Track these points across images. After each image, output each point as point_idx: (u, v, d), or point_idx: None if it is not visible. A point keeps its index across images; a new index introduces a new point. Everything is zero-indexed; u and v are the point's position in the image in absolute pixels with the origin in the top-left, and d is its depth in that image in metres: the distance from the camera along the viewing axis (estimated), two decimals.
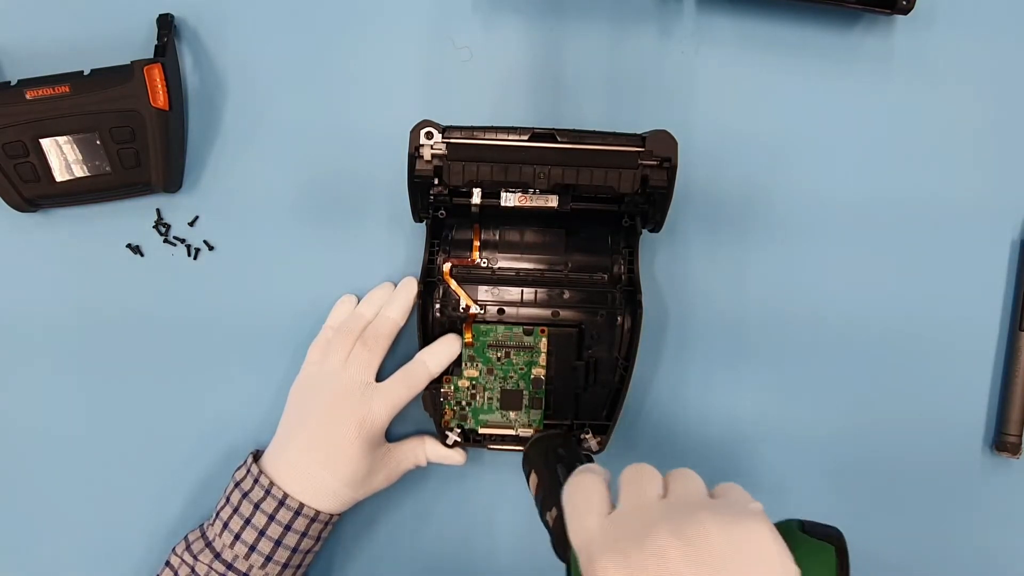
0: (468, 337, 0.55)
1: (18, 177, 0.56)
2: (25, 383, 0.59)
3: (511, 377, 0.55)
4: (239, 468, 0.54)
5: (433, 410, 0.54)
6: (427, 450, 0.56)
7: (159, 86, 0.55)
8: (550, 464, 0.46)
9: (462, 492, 0.59)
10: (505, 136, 0.49)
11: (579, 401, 0.56)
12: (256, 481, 0.52)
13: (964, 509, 0.59)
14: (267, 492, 0.51)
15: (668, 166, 0.50)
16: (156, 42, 0.58)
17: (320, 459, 0.51)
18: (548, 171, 0.50)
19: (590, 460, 0.48)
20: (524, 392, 0.55)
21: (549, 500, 0.43)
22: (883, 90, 0.59)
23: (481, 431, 0.55)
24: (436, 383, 0.55)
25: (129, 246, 0.60)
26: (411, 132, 0.50)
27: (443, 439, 0.55)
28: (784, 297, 0.59)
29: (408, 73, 0.60)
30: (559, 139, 0.49)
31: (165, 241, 0.60)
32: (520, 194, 0.54)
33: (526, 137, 0.49)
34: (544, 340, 0.55)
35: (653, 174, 0.50)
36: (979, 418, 0.59)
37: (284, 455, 0.53)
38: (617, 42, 0.60)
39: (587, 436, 0.55)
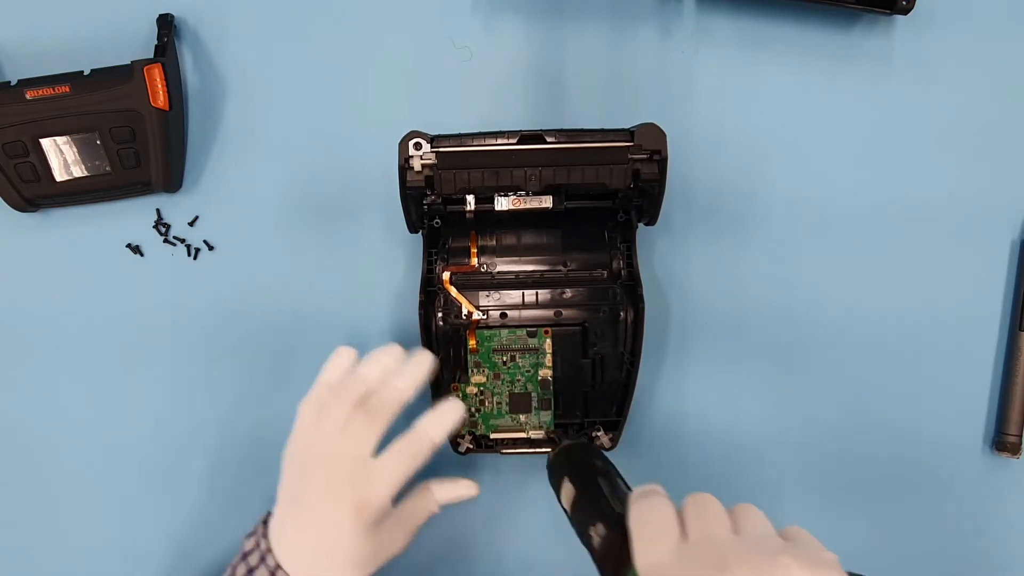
0: (472, 343, 0.55)
1: (18, 177, 0.56)
2: (25, 383, 0.59)
3: (518, 380, 0.55)
4: (250, 536, 0.48)
5: None
6: (436, 497, 0.50)
7: (159, 86, 0.55)
8: (590, 476, 0.44)
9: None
10: (494, 141, 0.49)
11: (587, 399, 0.56)
12: (263, 559, 0.46)
13: (964, 509, 0.59)
14: (272, 574, 0.46)
15: (658, 159, 0.50)
16: (156, 42, 0.58)
17: (321, 544, 0.46)
18: (539, 173, 0.50)
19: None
20: (532, 394, 0.55)
21: (591, 515, 0.41)
22: (883, 90, 0.60)
23: (492, 436, 0.55)
24: (445, 391, 0.55)
25: (129, 246, 0.60)
26: (399, 144, 0.50)
27: (455, 447, 0.55)
28: (784, 296, 0.59)
29: (408, 73, 0.60)
30: (548, 140, 0.49)
31: (165, 241, 0.60)
32: (514, 197, 0.54)
33: (515, 140, 0.49)
34: (548, 341, 0.55)
35: (644, 168, 0.50)
36: (979, 418, 0.59)
37: (288, 533, 0.47)
38: (617, 42, 0.60)
39: (599, 434, 0.55)
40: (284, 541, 0.46)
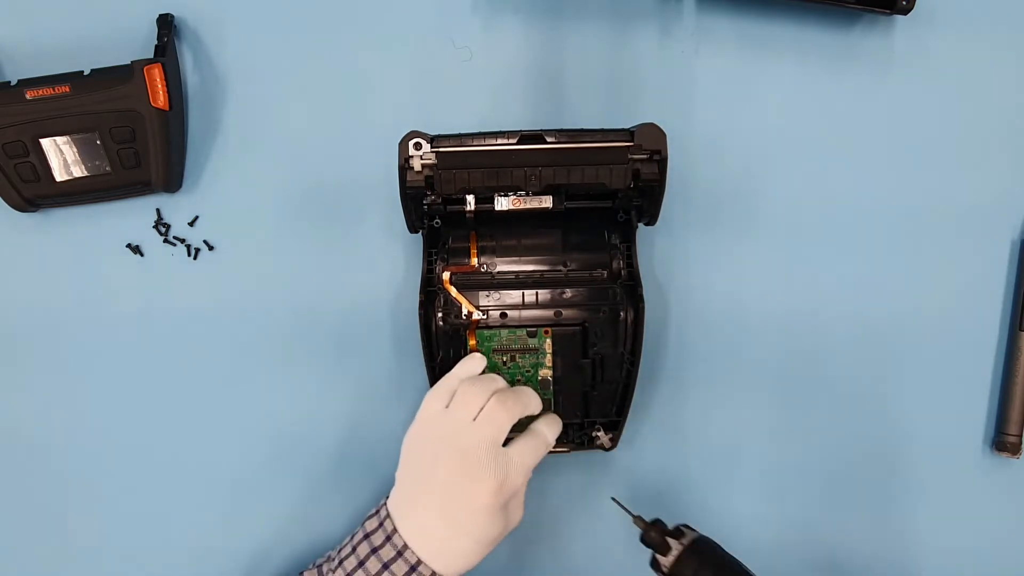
0: (472, 343, 0.55)
1: (18, 177, 0.56)
2: (25, 383, 0.59)
3: (518, 380, 0.55)
4: (371, 517, 0.49)
5: None
6: (518, 457, 0.49)
7: (159, 86, 0.55)
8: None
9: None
10: (494, 141, 0.49)
11: (587, 399, 0.56)
12: (389, 538, 0.47)
13: (964, 509, 0.59)
14: (399, 553, 0.47)
15: (658, 159, 0.50)
16: (156, 42, 0.58)
17: (456, 526, 0.47)
18: (539, 172, 0.50)
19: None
20: None
21: None
22: (883, 90, 0.60)
23: None
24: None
25: (129, 246, 0.60)
26: (399, 144, 0.50)
27: None
28: (784, 295, 0.59)
29: (408, 72, 0.60)
30: (548, 140, 0.49)
31: (165, 241, 0.60)
32: (514, 197, 0.54)
33: (515, 140, 0.49)
34: (548, 341, 0.55)
35: (644, 168, 0.50)
36: (979, 418, 0.59)
37: (415, 515, 0.48)
38: (617, 42, 0.60)
39: (599, 434, 0.55)
40: (411, 522, 0.48)
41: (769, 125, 0.59)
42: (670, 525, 0.49)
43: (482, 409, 0.48)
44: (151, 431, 0.59)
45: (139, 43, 0.59)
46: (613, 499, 0.52)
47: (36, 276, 0.60)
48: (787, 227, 0.59)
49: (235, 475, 0.59)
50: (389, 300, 0.59)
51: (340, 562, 0.48)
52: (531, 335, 0.55)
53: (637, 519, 0.50)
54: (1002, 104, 0.59)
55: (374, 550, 0.47)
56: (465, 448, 0.48)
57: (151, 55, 0.57)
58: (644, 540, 0.49)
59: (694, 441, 0.59)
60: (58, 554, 0.59)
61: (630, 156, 0.50)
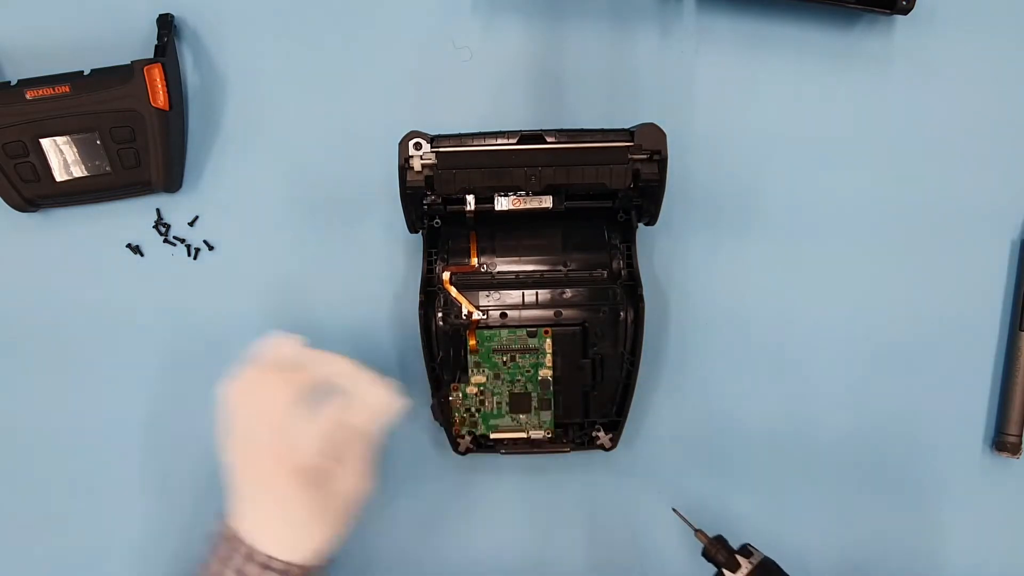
0: (472, 343, 0.55)
1: (18, 177, 0.56)
2: (25, 383, 0.59)
3: (518, 380, 0.55)
4: (214, 534, 0.48)
5: (443, 419, 0.54)
6: (361, 420, 0.48)
7: (159, 86, 0.55)
8: None
9: (471, 497, 0.59)
10: (494, 141, 0.49)
11: (587, 399, 0.56)
12: (235, 550, 0.46)
13: (964, 509, 0.59)
14: (249, 558, 0.46)
15: (658, 159, 0.50)
16: (156, 42, 0.58)
17: (277, 515, 0.46)
18: (539, 172, 0.50)
19: None
20: (532, 394, 0.55)
21: None
22: (883, 90, 0.60)
23: (492, 436, 0.55)
24: (445, 391, 0.55)
25: (129, 246, 0.60)
26: (399, 144, 0.50)
27: (455, 447, 0.55)
28: (784, 295, 0.59)
29: (408, 73, 0.60)
30: (548, 140, 0.49)
31: (165, 241, 0.60)
32: (514, 197, 0.54)
33: (515, 140, 0.49)
34: (548, 341, 0.55)
35: (644, 168, 0.50)
36: (979, 418, 0.59)
37: (243, 510, 0.47)
38: (617, 42, 0.60)
39: (599, 434, 0.55)
40: (250, 522, 0.46)
41: (769, 125, 0.59)
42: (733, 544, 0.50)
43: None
44: (151, 431, 0.59)
45: (139, 43, 0.59)
46: (674, 510, 0.52)
47: (36, 276, 0.60)
48: (787, 227, 0.59)
49: None
50: (389, 300, 0.59)
51: None
52: (531, 335, 0.55)
53: (699, 533, 0.50)
54: (1002, 104, 0.59)
55: (219, 558, 0.46)
56: (261, 440, 0.46)
57: (151, 55, 0.57)
58: (708, 555, 0.49)
59: (694, 441, 0.59)
60: (58, 554, 0.59)
61: (630, 156, 0.50)
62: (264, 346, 0.49)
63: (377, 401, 0.48)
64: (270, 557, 0.45)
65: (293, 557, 0.46)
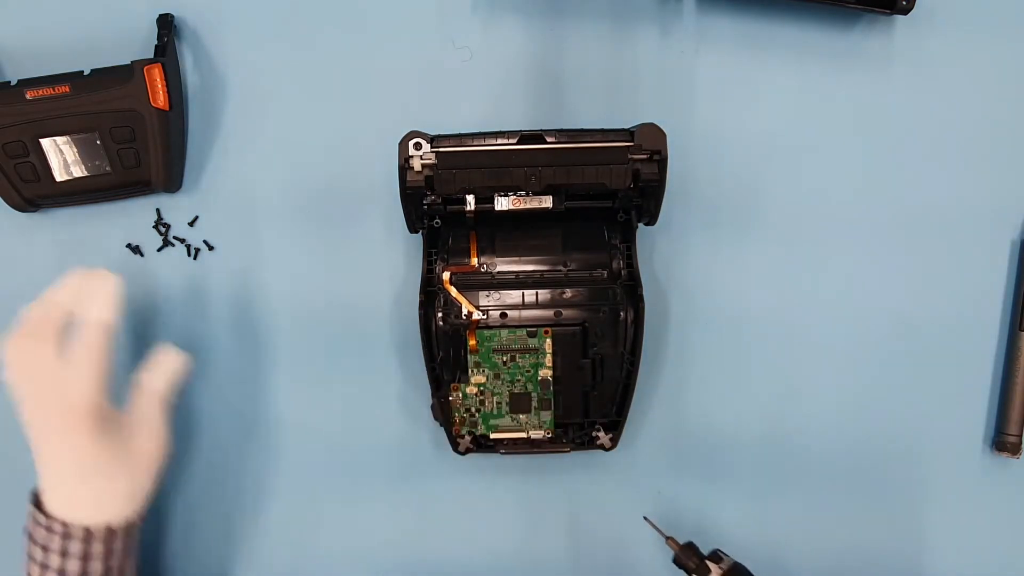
0: (472, 343, 0.55)
1: (18, 177, 0.56)
2: None
3: (518, 380, 0.55)
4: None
5: (443, 419, 0.54)
6: (151, 382, 0.51)
7: (159, 86, 0.55)
8: None
9: (471, 497, 0.59)
10: (494, 141, 0.49)
11: (587, 399, 0.56)
12: (37, 523, 0.47)
13: (964, 509, 0.59)
14: (47, 529, 0.47)
15: (658, 159, 0.50)
16: (156, 42, 0.58)
17: (66, 471, 0.47)
18: (539, 172, 0.50)
19: None
20: (532, 394, 0.55)
21: None
22: (883, 90, 0.60)
23: (492, 436, 0.55)
24: (445, 391, 0.54)
25: (129, 246, 0.60)
26: (399, 144, 0.50)
27: (455, 447, 0.55)
28: (784, 295, 0.59)
29: (408, 73, 0.60)
30: (548, 140, 0.49)
31: (165, 241, 0.60)
32: (514, 197, 0.54)
33: (515, 140, 0.49)
34: (548, 341, 0.55)
35: (644, 168, 0.51)
36: (979, 418, 0.59)
37: (44, 485, 0.48)
38: (617, 42, 0.60)
39: (599, 434, 0.55)
40: (48, 493, 0.48)
41: (769, 125, 0.59)
42: (705, 550, 0.50)
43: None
44: None
45: (139, 43, 0.59)
46: (645, 519, 0.53)
47: (36, 276, 0.59)
48: (787, 227, 0.59)
49: (234, 475, 0.59)
50: (389, 300, 0.59)
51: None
52: (531, 335, 0.55)
53: (670, 540, 0.50)
54: (1002, 104, 0.59)
55: (32, 539, 0.47)
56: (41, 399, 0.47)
57: (151, 55, 0.57)
58: (679, 562, 0.50)
59: (694, 441, 0.59)
60: None
61: (630, 156, 0.50)
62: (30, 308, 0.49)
63: (166, 360, 0.51)
64: (66, 524, 0.46)
65: (94, 519, 0.47)
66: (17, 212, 0.58)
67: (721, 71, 0.59)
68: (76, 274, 0.50)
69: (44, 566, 0.47)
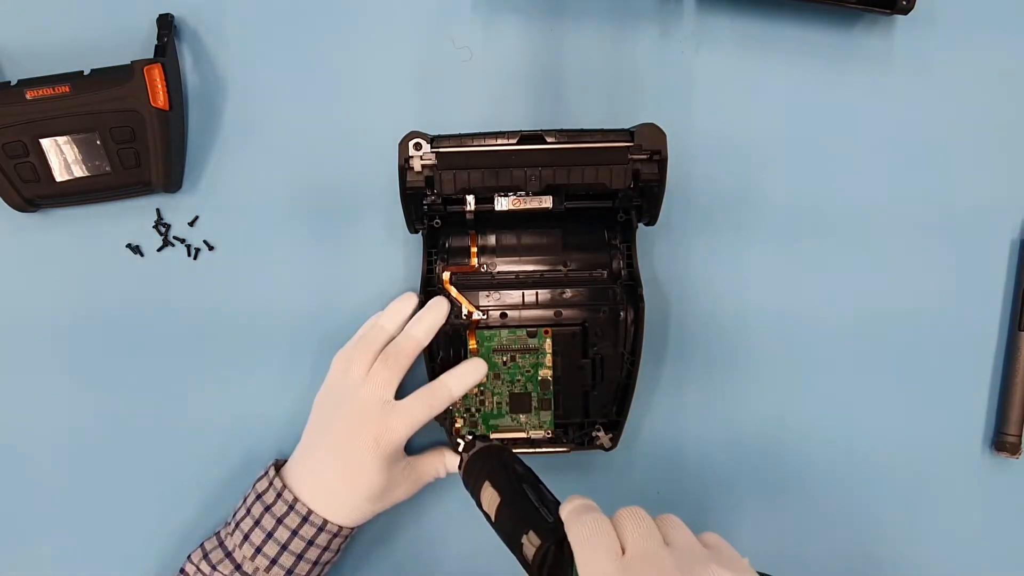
0: (472, 343, 0.55)
1: (18, 177, 0.56)
2: (25, 383, 0.59)
3: (518, 380, 0.55)
4: (260, 479, 0.54)
5: (443, 418, 0.54)
6: (446, 462, 0.55)
7: (159, 86, 0.55)
8: (513, 483, 0.44)
9: (470, 497, 0.59)
10: (494, 141, 0.50)
11: (588, 399, 0.56)
12: (279, 495, 0.52)
13: (964, 509, 0.59)
14: (291, 507, 0.51)
15: (658, 159, 0.50)
16: (156, 42, 0.58)
17: (340, 475, 0.51)
18: (539, 173, 0.50)
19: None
20: (532, 394, 0.55)
21: (521, 523, 0.41)
22: (883, 90, 0.60)
23: (492, 436, 0.55)
24: None
25: (129, 246, 0.60)
26: (399, 144, 0.50)
27: (455, 446, 0.55)
28: (784, 295, 0.59)
29: (408, 73, 0.60)
30: (548, 140, 0.50)
31: (165, 241, 0.60)
32: (514, 197, 0.54)
33: (515, 140, 0.50)
34: (548, 341, 0.55)
35: (644, 168, 0.51)
36: (979, 418, 0.59)
37: (306, 469, 0.53)
38: (617, 42, 0.60)
39: (599, 434, 0.55)
40: (304, 477, 0.52)
41: (769, 125, 0.59)
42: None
43: (371, 368, 0.52)
44: (150, 431, 0.59)
45: (139, 43, 0.59)
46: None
47: (36, 276, 0.60)
48: (787, 227, 0.59)
49: (233, 476, 0.59)
50: (389, 300, 0.59)
51: (236, 524, 0.52)
52: (531, 335, 0.55)
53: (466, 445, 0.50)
54: (1002, 104, 0.59)
55: (267, 508, 0.51)
56: (352, 405, 0.51)
57: (151, 55, 0.57)
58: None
59: (694, 441, 0.59)
60: (61, 553, 0.59)
61: (630, 156, 0.50)
62: (371, 320, 0.55)
63: (458, 384, 0.52)
64: (326, 520, 0.51)
65: (347, 521, 0.52)
66: (17, 212, 0.58)
67: (721, 71, 0.60)
68: (408, 300, 0.55)
69: (269, 534, 0.51)
